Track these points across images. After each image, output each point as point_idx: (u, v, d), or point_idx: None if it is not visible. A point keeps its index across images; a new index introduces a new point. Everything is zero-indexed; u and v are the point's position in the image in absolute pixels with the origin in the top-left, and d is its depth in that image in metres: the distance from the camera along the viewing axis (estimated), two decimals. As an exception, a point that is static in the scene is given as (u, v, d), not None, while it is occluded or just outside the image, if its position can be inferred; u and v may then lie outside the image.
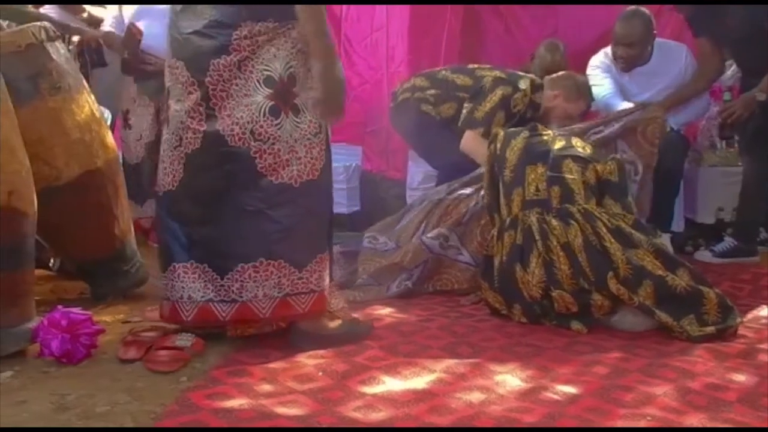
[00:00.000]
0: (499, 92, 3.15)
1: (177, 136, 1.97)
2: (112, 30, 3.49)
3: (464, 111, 3.17)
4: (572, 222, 2.27)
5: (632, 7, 3.32)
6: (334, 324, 2.11)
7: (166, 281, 2.01)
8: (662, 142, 3.23)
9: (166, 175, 2.00)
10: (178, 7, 1.99)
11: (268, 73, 1.91)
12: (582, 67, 3.51)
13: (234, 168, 1.92)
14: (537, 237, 2.29)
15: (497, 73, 3.25)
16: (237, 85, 1.91)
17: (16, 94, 2.10)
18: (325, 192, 2.04)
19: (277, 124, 1.92)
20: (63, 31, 2.76)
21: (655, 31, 3.32)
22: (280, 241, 1.93)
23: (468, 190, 2.90)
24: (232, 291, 1.93)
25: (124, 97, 3.55)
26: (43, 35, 2.34)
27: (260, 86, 1.91)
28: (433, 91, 3.26)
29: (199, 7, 1.93)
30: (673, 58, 3.38)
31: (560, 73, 3.34)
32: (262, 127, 1.91)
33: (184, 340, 1.97)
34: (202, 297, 1.95)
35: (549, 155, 2.45)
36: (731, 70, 3.60)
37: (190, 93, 1.93)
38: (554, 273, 2.24)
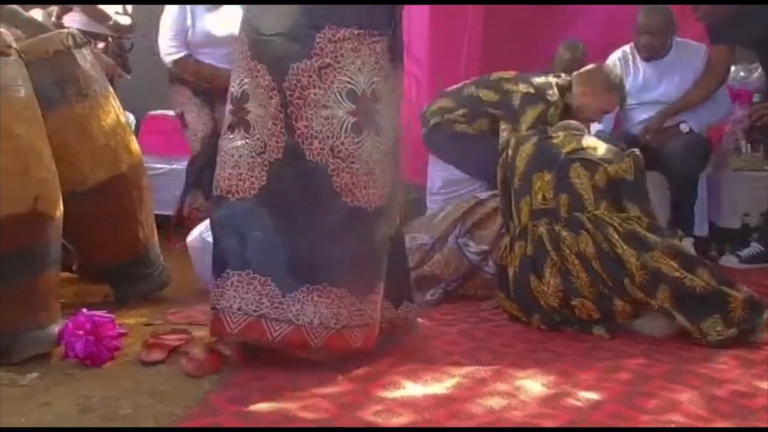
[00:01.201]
0: (530, 113, 3.08)
1: (262, 143, 1.85)
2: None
3: (503, 133, 3.11)
4: (582, 231, 2.23)
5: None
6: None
7: (216, 289, 1.87)
8: (680, 146, 3.22)
9: (243, 181, 1.86)
10: (256, 6, 1.89)
11: (351, 86, 1.80)
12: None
13: (310, 184, 1.82)
14: (549, 247, 2.26)
15: (522, 87, 3.14)
16: (315, 94, 1.79)
17: (43, 100, 2.13)
18: (392, 218, 1.95)
19: (358, 142, 1.81)
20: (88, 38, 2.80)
21: (675, 25, 3.38)
22: (346, 269, 1.83)
23: None
24: (291, 311, 1.80)
25: (178, 101, 3.62)
26: (71, 42, 2.38)
27: (342, 99, 1.79)
28: (461, 111, 3.21)
29: (283, 6, 1.83)
30: (691, 55, 3.40)
31: (588, 67, 3.26)
32: (342, 144, 1.79)
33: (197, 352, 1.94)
34: (255, 311, 1.81)
35: (556, 161, 2.39)
36: (757, 73, 3.56)
37: (270, 98, 1.82)
38: (572, 282, 2.21)
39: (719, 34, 3.20)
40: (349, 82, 1.80)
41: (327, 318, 1.81)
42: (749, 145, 3.63)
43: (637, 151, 2.44)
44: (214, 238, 1.94)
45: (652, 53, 3.40)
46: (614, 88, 3.13)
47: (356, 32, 1.79)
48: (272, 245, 1.84)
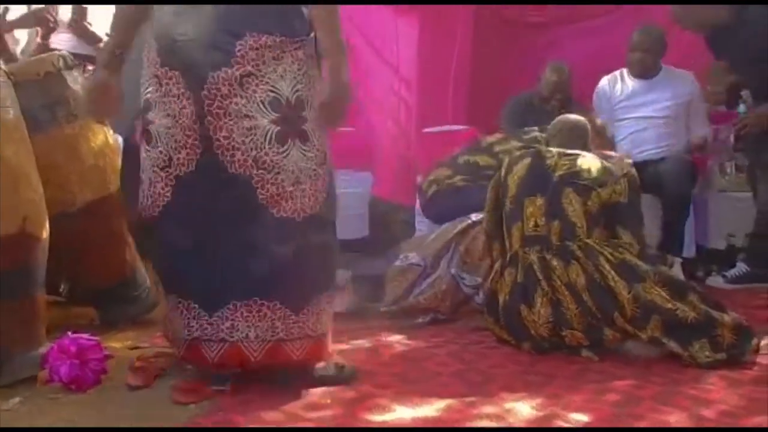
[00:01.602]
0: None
1: (166, 156, 1.77)
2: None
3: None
4: (573, 261, 2.22)
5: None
6: (320, 366, 1.92)
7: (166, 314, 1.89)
8: (670, 168, 3.26)
9: (146, 198, 1.82)
10: (171, 8, 1.78)
11: (274, 94, 1.74)
12: (587, 86, 3.59)
13: (232, 197, 1.75)
14: (540, 276, 2.24)
15: (514, 144, 3.18)
16: (237, 103, 1.72)
17: (33, 121, 2.14)
18: (329, 227, 1.87)
19: (283, 152, 1.75)
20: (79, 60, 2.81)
21: (665, 46, 3.47)
22: (277, 281, 1.77)
23: None
24: (222, 329, 1.77)
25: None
26: (61, 64, 2.39)
27: (265, 108, 1.73)
28: (459, 177, 3.22)
29: (201, 10, 1.74)
30: (678, 81, 3.48)
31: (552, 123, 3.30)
32: (267, 155, 1.74)
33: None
34: (188, 335, 1.80)
35: (549, 184, 2.35)
36: (743, 106, 3.61)
37: (183, 107, 1.74)
38: (562, 313, 2.20)
39: (720, 47, 3.25)
40: (271, 91, 1.74)
41: (263, 331, 1.77)
42: (734, 166, 3.67)
43: (632, 170, 2.42)
44: (148, 260, 1.94)
45: (643, 70, 3.48)
46: (597, 134, 3.18)
47: (278, 39, 1.74)
48: (187, 265, 1.78)
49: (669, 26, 3.56)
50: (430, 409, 1.74)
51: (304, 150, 1.79)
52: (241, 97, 1.72)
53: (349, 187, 3.91)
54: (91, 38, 3.55)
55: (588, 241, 2.26)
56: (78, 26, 3.48)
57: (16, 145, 1.95)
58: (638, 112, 3.48)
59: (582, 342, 2.21)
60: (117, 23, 1.94)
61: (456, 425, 1.64)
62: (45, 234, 2.00)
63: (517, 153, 2.58)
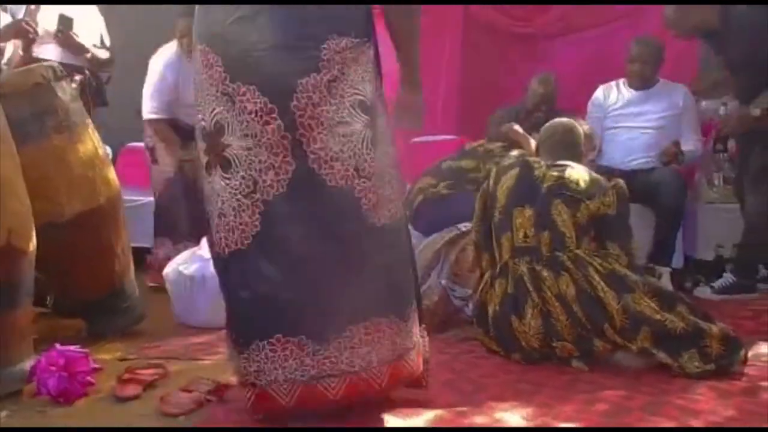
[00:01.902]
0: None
1: (250, 180, 1.59)
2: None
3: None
4: (563, 272, 2.22)
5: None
6: None
7: (246, 363, 1.63)
8: (664, 179, 3.29)
9: (232, 231, 1.61)
10: (230, 17, 1.61)
11: (360, 97, 1.63)
12: (577, 97, 3.63)
13: (336, 212, 1.60)
14: (530, 288, 2.25)
15: (498, 145, 3.24)
16: (328, 111, 1.59)
17: (22, 132, 2.13)
18: (407, 228, 1.78)
19: (377, 157, 1.64)
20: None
21: (663, 58, 3.54)
22: (387, 293, 1.64)
23: None
24: (340, 362, 1.59)
25: (149, 134, 3.59)
26: (51, 74, 2.38)
27: (356, 112, 1.61)
28: (444, 183, 3.21)
29: (264, 15, 1.59)
30: (673, 93, 3.55)
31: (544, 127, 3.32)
32: (366, 161, 1.61)
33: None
34: (302, 376, 1.59)
35: (537, 196, 2.35)
36: (728, 106, 3.64)
37: (267, 123, 1.57)
38: (553, 324, 2.21)
39: (718, 46, 3.28)
40: (357, 93, 1.63)
41: (384, 353, 1.62)
42: (722, 177, 3.70)
43: (621, 182, 2.42)
44: (228, 304, 1.70)
45: (642, 82, 3.54)
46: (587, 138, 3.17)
47: (355, 41, 1.63)
48: (291, 298, 1.59)
49: (661, 37, 3.59)
50: (420, 420, 1.74)
51: (387, 152, 1.68)
52: (331, 103, 1.59)
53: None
54: (77, 49, 3.54)
55: (578, 251, 2.27)
56: (64, 37, 3.46)
57: (1, 157, 1.94)
58: (632, 121, 3.53)
59: (572, 353, 2.21)
60: None
61: (446, 436, 1.64)
62: (31, 247, 1.99)
63: (506, 163, 2.56)
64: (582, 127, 2.83)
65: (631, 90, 3.57)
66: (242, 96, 1.59)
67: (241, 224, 1.60)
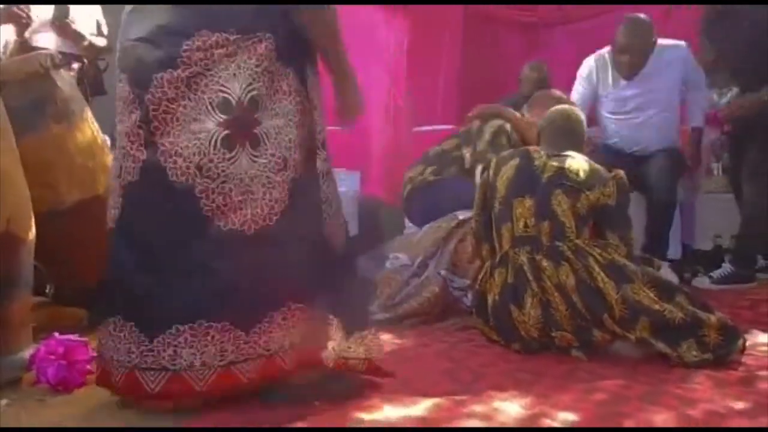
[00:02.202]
0: (488, 131, 3.15)
1: (117, 163, 1.69)
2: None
3: (466, 155, 3.16)
4: (563, 262, 2.23)
5: (633, 15, 3.35)
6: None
7: (100, 335, 1.71)
8: (655, 173, 3.25)
9: (109, 210, 1.71)
10: (129, 7, 1.71)
11: (224, 95, 1.60)
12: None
13: (174, 208, 1.61)
14: (530, 277, 2.25)
15: (479, 120, 3.24)
16: (184, 106, 1.60)
17: (21, 121, 2.12)
18: (287, 240, 1.67)
19: (230, 159, 1.60)
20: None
21: (655, 38, 3.34)
22: (225, 300, 1.60)
23: None
24: (163, 358, 1.60)
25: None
26: (49, 63, 2.38)
27: (213, 111, 1.60)
28: (430, 169, 3.26)
29: (150, 8, 1.65)
30: (670, 58, 3.35)
31: (534, 95, 3.30)
32: (212, 161, 1.59)
33: None
34: (128, 362, 1.63)
35: (537, 186, 2.35)
36: (729, 95, 3.64)
37: (131, 112, 1.64)
38: (552, 314, 2.21)
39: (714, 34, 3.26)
40: (221, 91, 1.60)
41: (210, 356, 1.60)
42: (720, 168, 3.71)
43: (621, 173, 2.41)
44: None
45: (632, 72, 3.36)
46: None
47: (232, 38, 1.61)
48: (133, 285, 1.63)
49: (659, 26, 3.54)
50: (419, 408, 1.75)
51: (255, 156, 1.63)
52: (190, 99, 1.60)
53: (338, 186, 3.91)
54: (74, 37, 3.52)
55: (577, 241, 2.27)
56: (61, 25, 3.45)
57: (0, 146, 1.93)
58: (629, 113, 3.41)
59: (571, 343, 2.22)
60: None
61: (445, 424, 1.65)
62: (30, 235, 1.99)
63: (506, 154, 2.57)
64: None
65: (623, 80, 3.39)
66: (120, 83, 1.69)
67: (112, 205, 1.70)
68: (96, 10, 3.74)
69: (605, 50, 3.44)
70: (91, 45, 3.63)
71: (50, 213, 2.25)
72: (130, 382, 1.63)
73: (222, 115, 1.60)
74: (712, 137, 3.79)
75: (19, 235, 1.94)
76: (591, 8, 4.28)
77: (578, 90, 3.48)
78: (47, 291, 2.90)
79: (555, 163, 2.38)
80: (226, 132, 1.60)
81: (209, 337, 1.60)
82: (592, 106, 3.47)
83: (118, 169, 1.68)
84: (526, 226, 2.33)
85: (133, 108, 1.64)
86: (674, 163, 3.37)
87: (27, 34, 3.43)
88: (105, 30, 3.75)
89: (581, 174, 2.35)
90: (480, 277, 2.47)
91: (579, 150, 2.50)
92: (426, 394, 1.84)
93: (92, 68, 3.70)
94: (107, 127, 3.46)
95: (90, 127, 2.50)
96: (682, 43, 3.39)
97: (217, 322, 1.60)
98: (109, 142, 3.58)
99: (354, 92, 1.81)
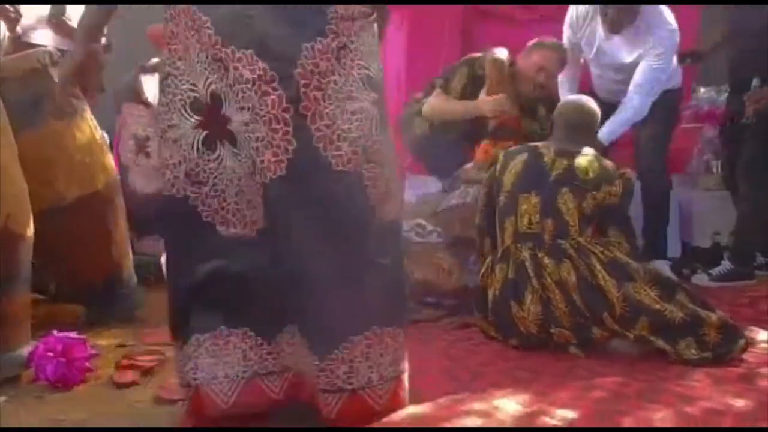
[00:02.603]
0: (458, 75, 3.19)
1: (248, 160, 1.40)
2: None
3: (432, 98, 3.19)
4: (565, 260, 2.23)
5: None
6: None
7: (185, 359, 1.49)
8: (645, 171, 3.17)
9: (233, 215, 1.44)
10: None
11: (368, 71, 1.43)
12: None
13: (341, 200, 1.40)
14: (531, 274, 2.25)
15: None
16: (336, 82, 1.39)
17: (20, 118, 2.12)
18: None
19: (384, 142, 1.44)
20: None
21: None
22: (393, 300, 1.46)
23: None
24: (338, 377, 1.42)
25: (142, 123, 3.54)
26: (48, 60, 2.37)
27: (364, 87, 1.41)
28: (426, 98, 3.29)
29: None
30: (659, 18, 3.11)
31: (528, 45, 3.21)
32: (375, 143, 1.41)
33: None
34: (244, 372, 1.47)
35: (545, 184, 2.34)
36: (726, 95, 3.64)
37: (265, 94, 1.36)
38: (552, 311, 2.21)
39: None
40: (364, 67, 1.42)
41: (386, 368, 1.46)
42: (719, 165, 3.71)
43: (629, 172, 2.40)
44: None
45: (619, 27, 3.08)
46: (543, 46, 3.12)
47: (363, 10, 1.45)
48: (288, 299, 1.44)
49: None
50: (417, 407, 1.75)
51: (389, 138, 1.49)
52: (340, 74, 1.39)
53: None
54: (70, 33, 3.50)
55: (580, 239, 2.27)
56: (57, 22, 3.44)
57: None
58: (613, 71, 3.22)
59: (570, 340, 2.22)
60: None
61: (444, 422, 1.65)
62: (29, 232, 1.99)
63: (513, 149, 2.53)
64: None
65: (608, 35, 3.12)
66: (237, 61, 1.37)
67: (239, 210, 1.44)
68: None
69: (591, 8, 3.19)
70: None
71: (49, 210, 2.25)
72: (252, 392, 1.46)
73: (373, 93, 1.43)
74: (710, 135, 3.79)
75: (17, 232, 1.94)
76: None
77: (565, 37, 3.31)
78: (50, 289, 2.90)
79: (564, 161, 2.36)
80: (379, 112, 1.43)
81: (384, 346, 1.47)
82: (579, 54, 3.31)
83: (249, 166, 1.40)
84: (530, 222, 2.33)
85: (270, 88, 1.36)
86: (661, 165, 3.25)
87: (19, 30, 3.43)
88: (105, 28, 3.74)
89: (590, 173, 2.34)
90: (481, 272, 2.48)
91: (590, 144, 2.48)
92: (425, 392, 1.84)
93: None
94: (105, 124, 3.46)
95: (89, 124, 2.50)
96: (674, 26, 3.12)
97: (390, 326, 1.47)
98: (107, 139, 3.58)
99: None
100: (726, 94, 3.61)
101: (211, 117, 1.42)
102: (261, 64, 1.35)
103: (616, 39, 3.15)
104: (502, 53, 3.14)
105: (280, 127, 1.36)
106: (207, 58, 1.39)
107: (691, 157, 3.90)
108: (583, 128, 2.51)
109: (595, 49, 3.23)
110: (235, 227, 1.43)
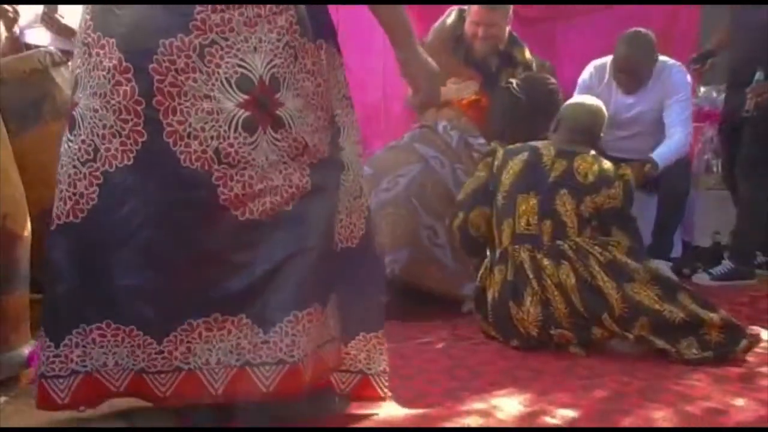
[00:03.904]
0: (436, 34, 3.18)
1: (90, 146, 1.43)
2: None
3: None
4: (563, 261, 2.22)
5: (633, 29, 3.24)
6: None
7: (65, 350, 1.47)
8: (665, 174, 3.11)
9: (65, 201, 1.47)
10: None
11: (244, 70, 1.40)
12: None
13: (186, 197, 1.42)
14: (531, 275, 2.24)
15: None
16: (195, 80, 1.38)
17: (19, 119, 2.12)
18: (309, 228, 1.49)
19: (251, 143, 1.41)
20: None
21: (656, 53, 3.24)
22: (242, 293, 1.43)
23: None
24: (175, 357, 1.43)
25: None
26: (48, 61, 2.37)
27: (230, 88, 1.40)
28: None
29: None
30: (664, 76, 3.26)
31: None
32: (231, 146, 1.40)
33: None
34: (133, 365, 1.45)
35: (543, 185, 2.32)
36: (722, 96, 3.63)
37: (119, 84, 1.38)
38: (551, 312, 2.21)
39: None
40: (240, 65, 1.40)
41: (224, 354, 1.42)
42: (720, 164, 3.70)
43: (628, 173, 2.37)
44: (48, 282, 1.50)
45: (633, 88, 3.25)
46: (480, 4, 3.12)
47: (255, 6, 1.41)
48: (125, 283, 1.43)
49: (659, 24, 3.52)
50: (418, 406, 1.74)
51: (276, 139, 1.44)
52: (201, 72, 1.38)
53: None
54: (63, 31, 3.49)
55: (578, 240, 2.27)
56: (49, 19, 3.43)
57: (-1, 142, 1.93)
58: (626, 129, 3.29)
59: (570, 341, 2.22)
60: None
61: (444, 422, 1.64)
62: (27, 232, 1.98)
63: (514, 147, 2.49)
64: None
65: (622, 95, 3.28)
66: (100, 48, 1.40)
67: (74, 195, 1.46)
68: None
69: (607, 59, 3.33)
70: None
71: (48, 211, 2.24)
72: (137, 385, 1.47)
73: (242, 95, 1.40)
74: (710, 134, 3.79)
75: (15, 231, 1.93)
76: (588, 5, 4.24)
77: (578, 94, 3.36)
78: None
79: (564, 162, 2.34)
80: (247, 113, 1.41)
81: (224, 332, 1.43)
82: None
83: (90, 152, 1.43)
84: (528, 223, 2.32)
85: (125, 78, 1.38)
86: (683, 163, 3.27)
87: (17, 30, 3.43)
88: None
89: (589, 176, 2.32)
90: (480, 273, 2.47)
91: (594, 146, 2.46)
92: (425, 392, 1.84)
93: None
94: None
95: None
96: (679, 63, 3.30)
97: (234, 315, 1.43)
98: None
99: (427, 78, 1.64)
100: (725, 94, 3.61)
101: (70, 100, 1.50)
102: (118, 54, 1.39)
103: (629, 98, 3.28)
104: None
105: (131, 117, 1.39)
106: (79, 42, 1.47)
107: (691, 156, 3.90)
108: (586, 129, 2.48)
109: (614, 117, 3.15)
110: (61, 217, 1.48)
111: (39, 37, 3.45)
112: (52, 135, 2.34)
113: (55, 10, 3.45)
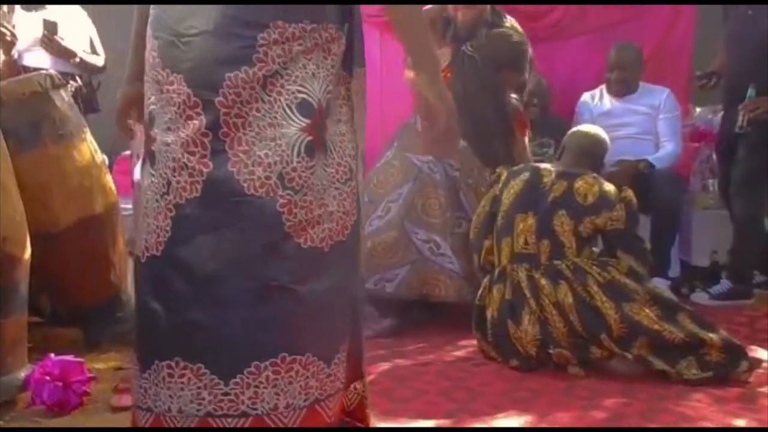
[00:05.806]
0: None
1: (164, 178, 1.42)
2: None
3: None
4: (561, 281, 2.23)
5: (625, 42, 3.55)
6: None
7: (144, 383, 1.42)
8: (657, 181, 3.23)
9: (150, 235, 1.43)
10: None
11: (304, 95, 1.41)
12: (570, 103, 3.66)
13: (251, 226, 1.38)
14: (528, 295, 2.25)
15: None
16: (259, 110, 1.39)
17: (18, 141, 2.13)
18: (354, 256, 1.51)
19: (311, 167, 1.40)
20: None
21: (643, 64, 3.52)
22: (307, 328, 1.41)
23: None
24: (242, 401, 1.38)
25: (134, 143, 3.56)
26: (48, 83, 2.38)
27: (292, 113, 1.39)
28: None
29: None
30: (653, 96, 3.52)
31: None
32: (295, 170, 1.39)
33: None
34: (197, 411, 1.38)
35: (542, 205, 2.34)
36: (720, 114, 3.65)
37: (189, 118, 1.39)
38: (550, 331, 2.21)
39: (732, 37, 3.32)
40: (300, 91, 1.41)
41: (295, 396, 1.40)
42: (717, 183, 3.71)
43: (630, 194, 2.38)
44: (136, 315, 1.48)
45: (623, 89, 3.51)
46: None
47: (309, 27, 1.42)
48: (195, 320, 1.39)
49: (652, 44, 3.59)
50: (416, 429, 1.74)
51: (326, 164, 1.44)
52: (264, 101, 1.39)
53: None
54: (63, 53, 3.52)
55: (576, 260, 2.27)
56: (49, 42, 3.46)
57: (-1, 165, 1.93)
58: (616, 131, 3.33)
59: (569, 360, 2.21)
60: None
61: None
62: (26, 254, 1.98)
63: (516, 168, 2.53)
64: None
65: (612, 99, 3.53)
66: (169, 85, 1.42)
67: (157, 228, 1.43)
68: (89, 27, 3.75)
69: (597, 89, 3.63)
70: (83, 62, 3.63)
71: (47, 233, 2.25)
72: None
73: (304, 119, 1.40)
74: (706, 154, 3.81)
75: (14, 254, 1.93)
76: (582, 26, 4.29)
77: (583, 119, 3.51)
78: (45, 312, 2.89)
79: (564, 183, 2.36)
80: (309, 138, 1.40)
81: (293, 373, 1.39)
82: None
83: (164, 186, 1.41)
84: (525, 243, 2.33)
85: (194, 113, 1.39)
86: (675, 174, 3.40)
87: (15, 53, 3.45)
88: (100, 48, 3.76)
89: (589, 197, 2.32)
90: (480, 292, 2.47)
91: (596, 171, 2.48)
92: (423, 414, 1.83)
93: (86, 86, 3.70)
94: (100, 145, 3.47)
95: (88, 147, 2.50)
96: (667, 89, 3.54)
97: (301, 354, 1.40)
98: (107, 162, 3.59)
99: (446, 114, 1.66)
100: (721, 113, 3.64)
101: (144, 135, 1.51)
102: (187, 90, 1.40)
103: (619, 102, 3.53)
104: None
105: (198, 150, 1.39)
106: (149, 79, 1.49)
107: (688, 176, 3.91)
108: (589, 153, 2.53)
109: (604, 121, 3.41)
110: (147, 251, 1.44)
111: (38, 59, 3.48)
112: (51, 157, 2.36)
113: (55, 32, 3.48)
